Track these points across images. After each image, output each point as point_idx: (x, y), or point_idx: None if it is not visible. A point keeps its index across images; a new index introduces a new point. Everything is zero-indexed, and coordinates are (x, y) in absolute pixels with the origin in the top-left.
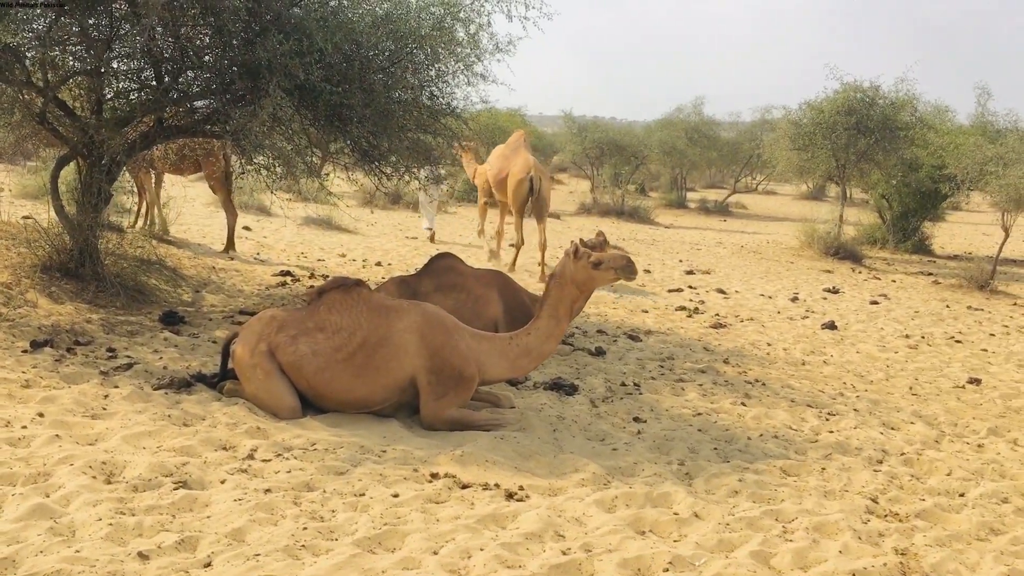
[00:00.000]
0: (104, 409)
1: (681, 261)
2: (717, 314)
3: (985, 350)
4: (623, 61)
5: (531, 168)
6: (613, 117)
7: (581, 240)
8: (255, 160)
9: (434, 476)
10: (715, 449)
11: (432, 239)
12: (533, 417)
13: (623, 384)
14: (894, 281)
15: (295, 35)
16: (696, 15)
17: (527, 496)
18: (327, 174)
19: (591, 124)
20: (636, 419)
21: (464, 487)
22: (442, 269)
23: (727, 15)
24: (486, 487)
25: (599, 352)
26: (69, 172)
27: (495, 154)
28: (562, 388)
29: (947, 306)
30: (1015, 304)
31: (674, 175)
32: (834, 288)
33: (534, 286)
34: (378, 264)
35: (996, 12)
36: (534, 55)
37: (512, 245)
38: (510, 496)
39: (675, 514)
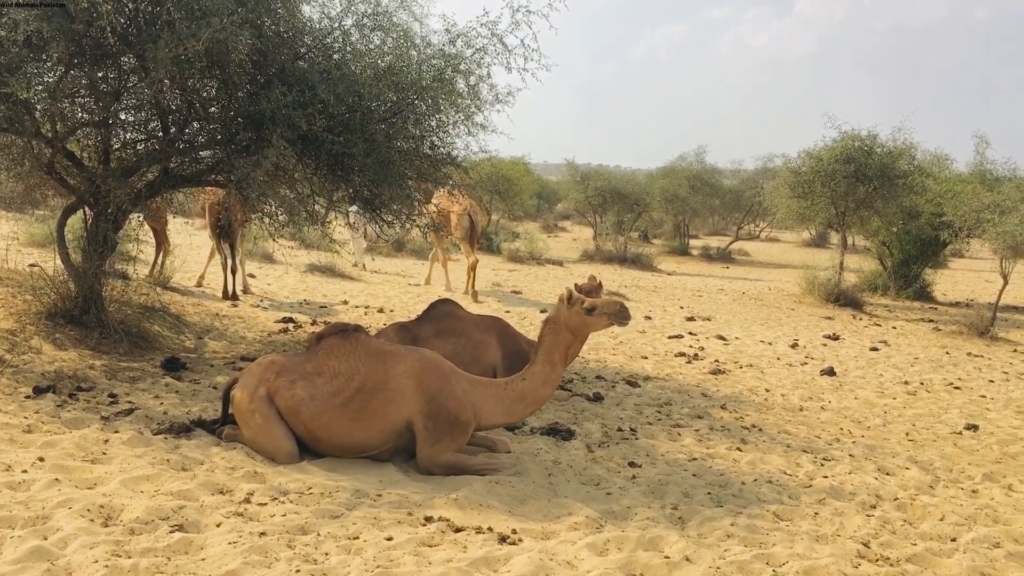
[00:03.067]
0: (104, 454)
1: (682, 308)
2: (716, 360)
3: (984, 396)
4: (626, 110)
5: (468, 206)
6: (617, 165)
7: (576, 285)
8: (258, 208)
9: (428, 520)
10: (709, 494)
11: (364, 268)
12: (529, 462)
13: (619, 429)
14: (895, 328)
15: (299, 87)
16: (699, 66)
17: (520, 540)
18: (330, 222)
19: (594, 172)
20: (631, 464)
21: (458, 530)
22: (442, 315)
23: (729, 66)
24: (479, 531)
25: (597, 398)
26: (76, 221)
27: (437, 195)
28: (559, 433)
29: (947, 353)
30: (1015, 351)
31: (677, 222)
32: (834, 335)
33: (533, 333)
34: (380, 311)
35: (996, 62)
36: (538, 104)
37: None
38: (503, 539)
39: (666, 557)
